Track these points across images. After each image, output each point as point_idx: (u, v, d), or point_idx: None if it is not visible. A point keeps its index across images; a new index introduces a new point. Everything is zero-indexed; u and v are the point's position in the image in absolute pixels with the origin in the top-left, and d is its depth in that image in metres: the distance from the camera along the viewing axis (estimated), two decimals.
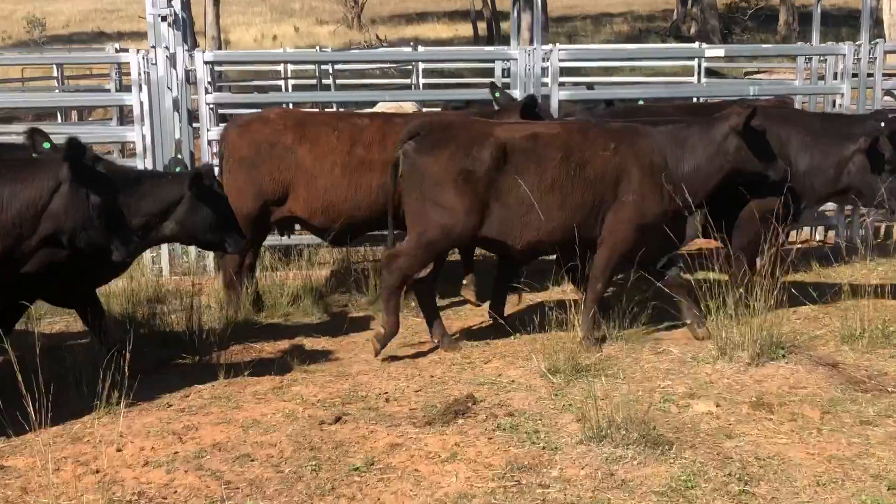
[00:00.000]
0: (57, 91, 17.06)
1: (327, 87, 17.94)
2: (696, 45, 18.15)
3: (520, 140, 6.80)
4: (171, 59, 8.77)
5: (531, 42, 10.38)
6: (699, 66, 17.01)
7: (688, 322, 7.18)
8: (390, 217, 7.06)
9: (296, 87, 19.78)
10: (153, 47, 8.76)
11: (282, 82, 19.52)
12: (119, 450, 5.31)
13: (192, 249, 8.93)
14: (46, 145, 5.84)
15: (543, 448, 5.27)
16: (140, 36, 42.81)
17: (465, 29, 48.42)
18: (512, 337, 7.30)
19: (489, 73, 21.96)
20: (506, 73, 11.97)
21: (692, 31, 40.92)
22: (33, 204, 5.45)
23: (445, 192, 6.69)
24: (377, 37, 40.22)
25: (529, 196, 6.65)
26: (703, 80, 16.58)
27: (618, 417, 5.31)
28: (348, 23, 51.23)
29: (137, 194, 6.20)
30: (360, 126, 7.83)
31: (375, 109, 12.29)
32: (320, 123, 7.88)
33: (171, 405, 6.02)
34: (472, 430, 5.54)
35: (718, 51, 12.15)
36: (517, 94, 9.32)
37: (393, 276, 6.83)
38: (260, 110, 8.45)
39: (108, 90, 15.29)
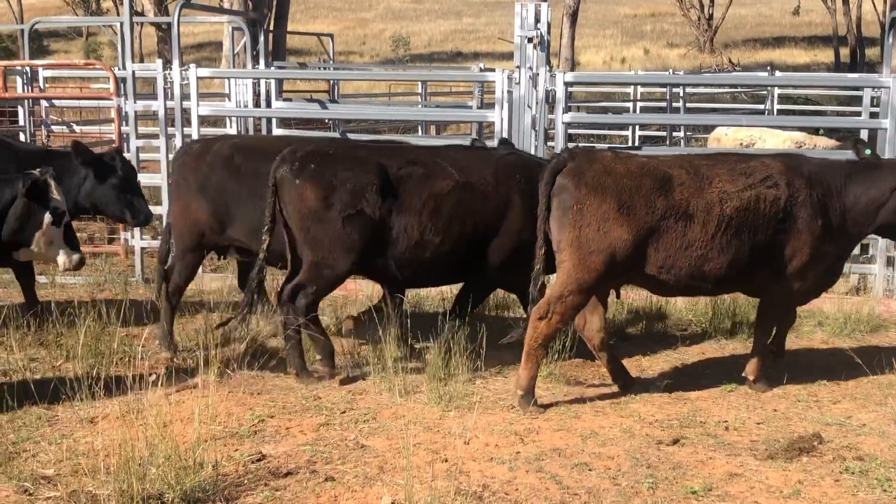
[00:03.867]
0: (420, 106, 18.30)
1: (676, 110, 17.83)
2: None
3: None
4: (533, 79, 9.14)
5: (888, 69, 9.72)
6: None
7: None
8: None
9: (644, 109, 19.87)
10: (518, 67, 9.17)
11: (629, 104, 19.67)
12: (466, 443, 5.64)
13: None
14: (867, 152, 6.83)
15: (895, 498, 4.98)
16: (494, 56, 44.77)
17: (825, 55, 46.16)
18: (864, 378, 6.91)
19: (850, 100, 20.85)
20: (875, 101, 11.30)
21: None
22: (875, 201, 6.46)
23: None
24: (729, 61, 39.24)
25: None
26: None
27: None
28: (700, 46, 50.47)
29: None
30: None
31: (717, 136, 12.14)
32: None
33: (514, 407, 6.29)
34: (818, 469, 5.33)
35: None
36: (887, 123, 8.79)
37: None
38: None
39: (470, 107, 16.18)
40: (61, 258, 6.48)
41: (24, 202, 6.22)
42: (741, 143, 11.42)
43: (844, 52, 44.67)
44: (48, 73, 13.99)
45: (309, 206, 6.55)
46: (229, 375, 6.65)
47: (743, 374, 6.76)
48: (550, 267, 6.45)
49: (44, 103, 13.39)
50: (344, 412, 6.19)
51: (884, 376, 6.89)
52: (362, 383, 6.74)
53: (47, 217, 6.29)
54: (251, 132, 12.19)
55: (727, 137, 11.74)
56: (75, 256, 6.51)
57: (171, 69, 9.68)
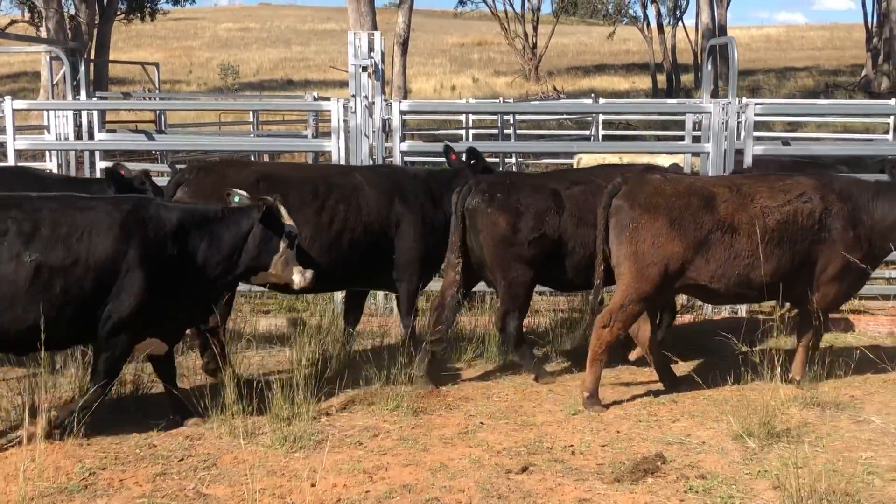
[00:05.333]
0: (252, 136, 17.92)
1: (507, 137, 18.15)
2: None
3: None
4: (369, 108, 9.07)
5: (713, 95, 10.23)
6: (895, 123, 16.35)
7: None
8: None
9: (475, 136, 20.12)
10: (353, 96, 9.08)
11: (462, 132, 19.89)
12: (313, 485, 5.44)
13: (381, 293, 9.10)
14: None
15: None
16: (326, 84, 44.57)
17: (643, 81, 48.13)
18: (700, 395, 7.13)
19: (669, 125, 21.75)
20: (696, 126, 11.79)
21: (883, 86, 39.31)
22: None
23: None
24: (554, 88, 40.40)
25: None
26: None
27: (820, 487, 5.08)
28: (525, 74, 51.77)
29: None
30: None
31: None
32: None
33: (361, 443, 6.15)
34: (663, 490, 5.41)
35: None
36: (709, 147, 9.17)
37: None
38: None
39: (303, 135, 15.95)
40: (296, 277, 6.70)
41: (261, 229, 6.49)
42: None
43: (661, 79, 46.73)
44: None
45: (500, 232, 7.27)
46: (57, 425, 6.20)
47: (791, 376, 7.29)
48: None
49: None
50: (181, 460, 5.88)
51: (718, 392, 7.12)
52: (200, 428, 6.43)
53: (283, 241, 6.53)
54: (73, 165, 11.62)
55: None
56: (308, 273, 6.73)
57: None
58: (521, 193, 7.42)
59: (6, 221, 5.78)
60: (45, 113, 13.85)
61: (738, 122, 9.59)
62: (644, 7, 50.72)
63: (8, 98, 9.10)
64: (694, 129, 12.24)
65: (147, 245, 6.04)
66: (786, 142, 12.01)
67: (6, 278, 5.73)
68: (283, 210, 6.61)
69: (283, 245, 6.56)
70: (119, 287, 5.96)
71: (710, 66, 9.93)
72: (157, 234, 6.12)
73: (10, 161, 9.07)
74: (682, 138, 14.88)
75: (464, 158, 8.18)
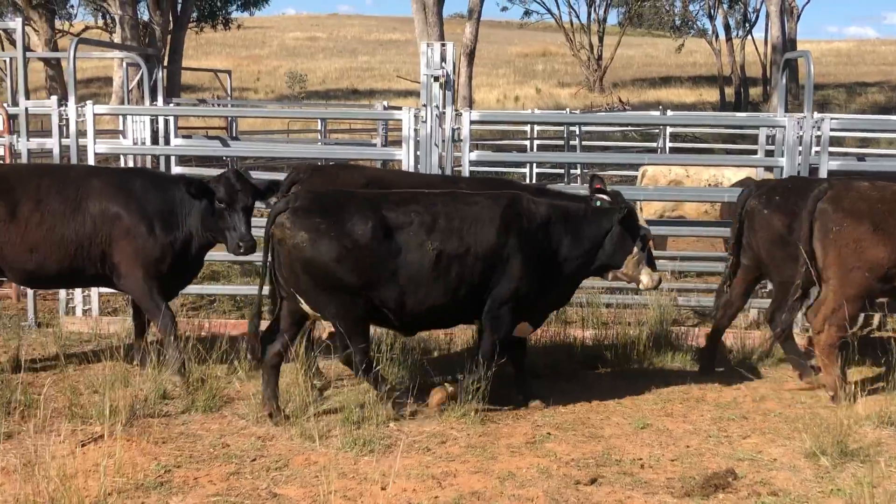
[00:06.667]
0: (320, 143, 18.12)
1: (573, 148, 18.14)
2: None
3: None
4: (440, 118, 9.13)
5: (783, 109, 10.12)
6: None
7: None
8: None
9: (540, 147, 20.13)
10: (424, 106, 9.16)
11: (526, 142, 19.92)
12: (383, 488, 5.50)
13: None
14: None
15: None
16: (390, 94, 44.88)
17: (710, 94, 47.68)
18: (771, 412, 7.06)
19: (736, 139, 21.53)
20: (770, 140, 11.66)
21: None
22: None
23: None
24: (619, 100, 40.23)
25: None
26: None
27: None
28: (590, 85, 51.61)
29: None
30: None
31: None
32: None
33: (429, 449, 6.20)
34: None
35: None
36: (783, 162, 9.07)
37: None
38: None
39: (370, 144, 16.08)
40: (644, 277, 7.06)
41: (620, 230, 6.91)
42: (709, 183, 12.03)
43: (729, 92, 46.25)
44: None
45: (776, 232, 7.63)
46: (134, 423, 6.36)
47: None
48: None
49: None
50: (254, 460, 5.99)
51: (790, 410, 7.04)
52: (272, 429, 6.55)
53: (637, 243, 6.93)
54: None
55: (689, 179, 12.11)
56: (655, 276, 7.12)
57: (66, 106, 9.36)
58: (800, 197, 7.58)
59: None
60: (121, 118, 14.19)
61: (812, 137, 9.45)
62: (712, 20, 50.30)
63: (90, 103, 9.34)
64: (769, 143, 12.09)
65: (523, 234, 6.67)
66: (861, 157, 11.78)
67: (415, 265, 6.46)
68: (639, 214, 7.00)
69: (636, 247, 6.95)
70: (502, 271, 6.64)
71: (784, 80, 9.82)
72: (530, 224, 6.74)
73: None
74: (749, 152, 14.75)
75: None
